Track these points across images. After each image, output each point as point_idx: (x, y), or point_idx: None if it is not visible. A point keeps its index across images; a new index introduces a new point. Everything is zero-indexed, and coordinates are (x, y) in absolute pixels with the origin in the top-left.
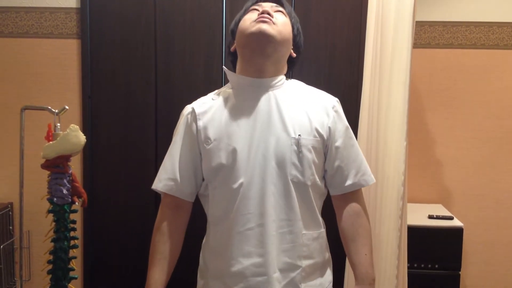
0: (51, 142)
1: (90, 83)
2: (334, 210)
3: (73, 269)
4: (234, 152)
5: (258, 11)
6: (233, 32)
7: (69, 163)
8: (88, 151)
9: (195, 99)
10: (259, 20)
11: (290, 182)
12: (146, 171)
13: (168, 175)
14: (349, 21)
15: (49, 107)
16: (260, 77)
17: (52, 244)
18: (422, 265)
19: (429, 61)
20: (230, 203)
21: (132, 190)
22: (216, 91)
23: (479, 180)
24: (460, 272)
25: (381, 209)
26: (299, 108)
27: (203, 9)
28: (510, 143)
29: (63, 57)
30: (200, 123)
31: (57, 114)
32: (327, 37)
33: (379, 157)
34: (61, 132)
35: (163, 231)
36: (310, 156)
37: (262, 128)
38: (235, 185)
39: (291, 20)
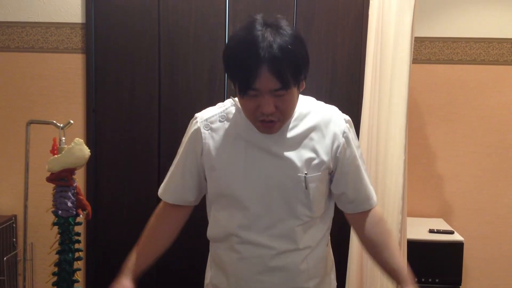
0: (56, 156)
1: (95, 96)
2: (349, 222)
3: (77, 281)
4: (238, 185)
5: (257, 96)
6: (227, 72)
7: (73, 176)
8: (92, 164)
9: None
10: (262, 125)
11: (298, 218)
12: (149, 184)
13: (168, 187)
14: (350, 37)
15: (54, 121)
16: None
17: (57, 256)
18: (423, 279)
19: (429, 76)
20: (232, 229)
21: (136, 203)
22: (224, 107)
23: (480, 195)
24: (460, 287)
25: (392, 221)
26: (308, 143)
27: (207, 22)
28: (510, 157)
29: (68, 72)
30: (206, 147)
31: (62, 128)
32: (328, 53)
33: (379, 171)
34: (66, 146)
35: (160, 219)
36: (317, 190)
37: (269, 164)
38: (239, 215)
39: (297, 70)
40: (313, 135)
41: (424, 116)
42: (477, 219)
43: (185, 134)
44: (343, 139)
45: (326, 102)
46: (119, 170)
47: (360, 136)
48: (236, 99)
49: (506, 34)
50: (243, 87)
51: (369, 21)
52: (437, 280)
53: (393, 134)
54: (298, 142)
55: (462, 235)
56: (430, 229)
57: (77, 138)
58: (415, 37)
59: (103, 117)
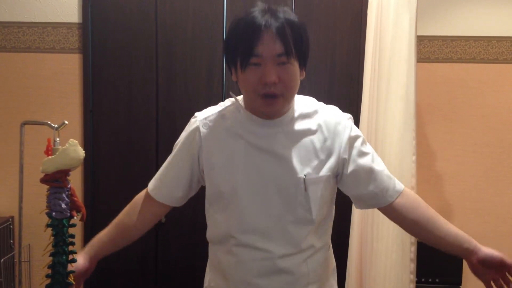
0: (50, 157)
1: (91, 97)
2: (387, 216)
3: (71, 284)
4: (237, 184)
5: (259, 65)
6: (227, 54)
7: (68, 178)
8: (89, 165)
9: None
10: (264, 102)
11: (297, 221)
12: (147, 185)
13: (164, 185)
14: (349, 36)
15: (49, 122)
16: (270, 119)
17: (51, 258)
18: (423, 279)
19: (428, 75)
20: (231, 231)
21: None
22: (224, 106)
23: (480, 194)
24: (461, 287)
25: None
26: (308, 144)
27: (204, 23)
28: (510, 157)
29: (65, 72)
30: (205, 146)
31: (57, 129)
32: (327, 52)
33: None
34: (61, 146)
35: (141, 211)
36: (318, 193)
37: (269, 165)
38: (237, 216)
39: (298, 39)
40: (315, 136)
41: (424, 115)
42: (477, 218)
43: (183, 132)
44: (347, 139)
45: (325, 101)
46: (117, 171)
47: None
48: (237, 97)
49: (505, 32)
50: (245, 55)
51: (367, 20)
52: (437, 280)
53: (391, 133)
54: (298, 142)
55: None
56: None
57: (71, 139)
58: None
59: (100, 118)
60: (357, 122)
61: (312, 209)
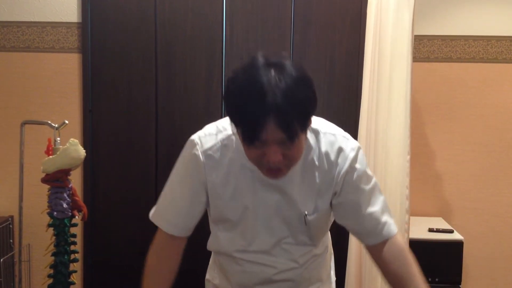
0: (51, 157)
1: (91, 97)
2: (369, 255)
3: (73, 283)
4: (243, 213)
5: (262, 146)
6: (228, 113)
7: (69, 177)
8: (89, 164)
9: (196, 113)
10: (268, 172)
11: (299, 244)
12: (146, 185)
13: (169, 216)
14: (348, 35)
15: (49, 122)
16: None
17: (53, 258)
18: None
19: (428, 74)
20: (233, 250)
21: (133, 203)
22: (225, 135)
23: (479, 193)
24: (460, 286)
25: None
26: (312, 179)
27: (204, 22)
28: (509, 156)
29: (64, 71)
30: (210, 178)
31: (57, 128)
32: (326, 52)
33: (378, 170)
34: (61, 146)
35: (162, 256)
36: (318, 224)
37: (274, 197)
38: (241, 238)
39: (305, 116)
40: (318, 169)
41: (423, 114)
42: (477, 218)
43: (183, 157)
44: (344, 172)
45: (324, 102)
46: (116, 170)
47: (359, 136)
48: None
49: (504, 31)
50: (248, 138)
51: (367, 20)
52: (437, 279)
53: (393, 133)
54: (303, 178)
55: (461, 234)
56: (429, 228)
57: (72, 139)
58: (414, 35)
59: (99, 117)
60: (356, 121)
61: (313, 236)
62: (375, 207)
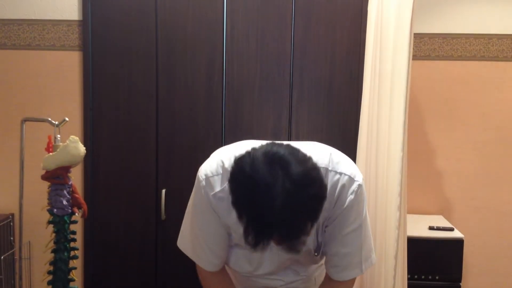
0: (51, 154)
1: (92, 94)
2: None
3: (73, 280)
4: (254, 255)
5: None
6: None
7: (69, 174)
8: (89, 162)
9: (196, 110)
10: None
11: (304, 264)
12: (147, 182)
13: (210, 259)
14: (349, 33)
15: (49, 119)
16: None
17: (53, 254)
18: (423, 277)
19: (429, 72)
20: (241, 271)
21: (134, 201)
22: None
23: (480, 191)
24: (461, 284)
25: (380, 220)
26: (319, 223)
27: (205, 18)
28: (510, 154)
29: (65, 69)
30: (222, 217)
31: (57, 125)
32: (327, 50)
33: (380, 166)
34: (61, 143)
35: (215, 278)
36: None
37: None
38: (246, 265)
39: (309, 228)
40: (324, 212)
41: (424, 112)
42: (477, 216)
43: (198, 197)
44: (342, 208)
45: (324, 100)
46: (117, 168)
47: (360, 133)
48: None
49: (506, 30)
50: (249, 243)
51: (368, 16)
52: (437, 277)
53: (394, 130)
54: None
55: (462, 232)
56: (430, 226)
57: (72, 136)
58: (415, 34)
59: (100, 115)
60: (357, 119)
61: (318, 261)
62: (348, 248)
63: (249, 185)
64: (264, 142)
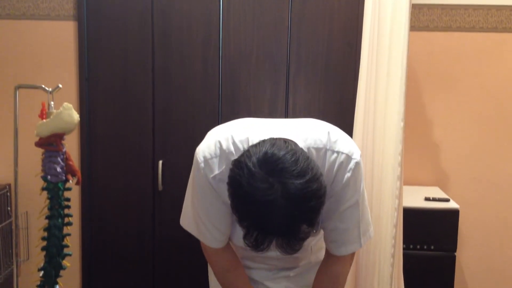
0: (44, 120)
1: (87, 65)
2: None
3: (67, 246)
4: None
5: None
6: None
7: (63, 142)
8: (86, 132)
9: (193, 77)
10: None
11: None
12: (144, 151)
13: (216, 236)
14: (346, 4)
15: (43, 86)
16: None
17: (47, 221)
18: (418, 246)
19: (427, 44)
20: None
21: (130, 172)
22: (228, 159)
23: (476, 163)
24: (455, 253)
25: (379, 189)
26: None
27: None
28: (507, 126)
29: (60, 39)
30: (221, 195)
31: (51, 92)
32: (324, 21)
33: (377, 137)
34: (55, 110)
35: (219, 256)
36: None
37: None
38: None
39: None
40: None
41: (421, 84)
42: (473, 187)
43: (195, 177)
44: (340, 185)
45: (322, 71)
46: (113, 139)
47: (357, 103)
48: (241, 141)
49: (504, 1)
50: (249, 245)
51: None
52: (432, 247)
53: (391, 102)
54: None
55: (458, 203)
56: (425, 197)
57: (66, 103)
58: (413, 4)
59: (96, 86)
60: (354, 91)
61: (316, 235)
62: (345, 224)
63: (247, 201)
64: (260, 123)
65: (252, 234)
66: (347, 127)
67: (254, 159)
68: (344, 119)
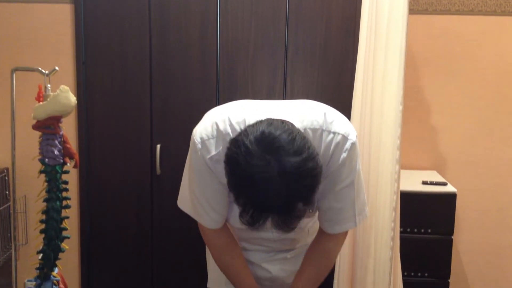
0: (41, 103)
1: (84, 49)
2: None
3: (65, 229)
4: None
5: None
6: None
7: (60, 125)
8: (83, 115)
9: (191, 63)
10: None
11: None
12: (141, 134)
13: (212, 216)
14: None
15: (39, 68)
16: None
17: (45, 204)
18: (415, 230)
19: (426, 27)
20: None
21: (128, 156)
22: (225, 140)
23: (474, 147)
24: (452, 237)
25: (378, 173)
26: None
27: None
28: (505, 110)
29: (57, 23)
30: (218, 176)
31: (47, 75)
32: (322, 6)
33: (375, 121)
34: (52, 93)
35: (216, 237)
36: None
37: None
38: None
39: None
40: None
41: (420, 67)
42: (471, 171)
43: (192, 158)
44: (335, 166)
45: (320, 55)
46: (111, 122)
47: (355, 87)
48: (237, 121)
49: None
50: (246, 223)
51: None
52: (429, 231)
53: (390, 85)
54: None
55: (455, 187)
56: (423, 181)
57: (62, 86)
58: None
59: (93, 70)
60: (352, 76)
61: (312, 216)
62: (340, 203)
63: (244, 178)
64: (257, 104)
65: (248, 212)
66: (345, 112)
67: (251, 137)
68: (342, 103)
